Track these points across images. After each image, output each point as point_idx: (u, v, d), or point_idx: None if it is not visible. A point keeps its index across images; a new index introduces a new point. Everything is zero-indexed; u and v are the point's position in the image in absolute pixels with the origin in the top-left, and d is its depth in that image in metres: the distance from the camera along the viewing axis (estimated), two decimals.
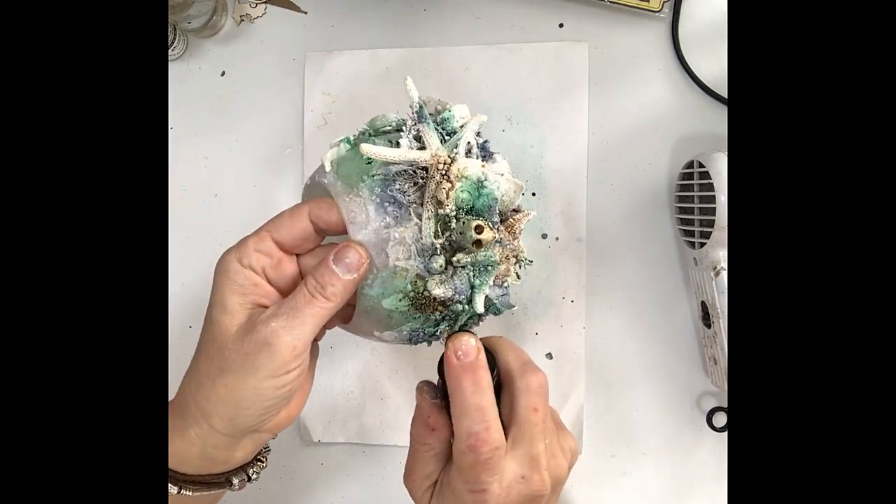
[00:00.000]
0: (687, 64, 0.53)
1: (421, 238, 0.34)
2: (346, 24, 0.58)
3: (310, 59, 0.58)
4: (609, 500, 0.54)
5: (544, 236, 0.55)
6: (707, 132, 0.54)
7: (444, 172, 0.34)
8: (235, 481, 0.38)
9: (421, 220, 0.34)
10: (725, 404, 0.52)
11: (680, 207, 0.51)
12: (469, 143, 0.36)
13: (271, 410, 0.34)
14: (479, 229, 0.34)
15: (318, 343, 0.40)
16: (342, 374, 0.58)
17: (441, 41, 0.57)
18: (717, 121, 0.53)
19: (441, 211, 0.34)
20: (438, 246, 0.34)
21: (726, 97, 0.53)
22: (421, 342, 0.37)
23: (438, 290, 0.34)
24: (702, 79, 0.53)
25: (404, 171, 0.34)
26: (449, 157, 0.34)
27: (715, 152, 0.47)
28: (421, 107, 0.36)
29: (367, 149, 0.34)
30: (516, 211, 0.38)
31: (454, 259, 0.34)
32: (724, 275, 0.46)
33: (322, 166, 0.37)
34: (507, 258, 0.36)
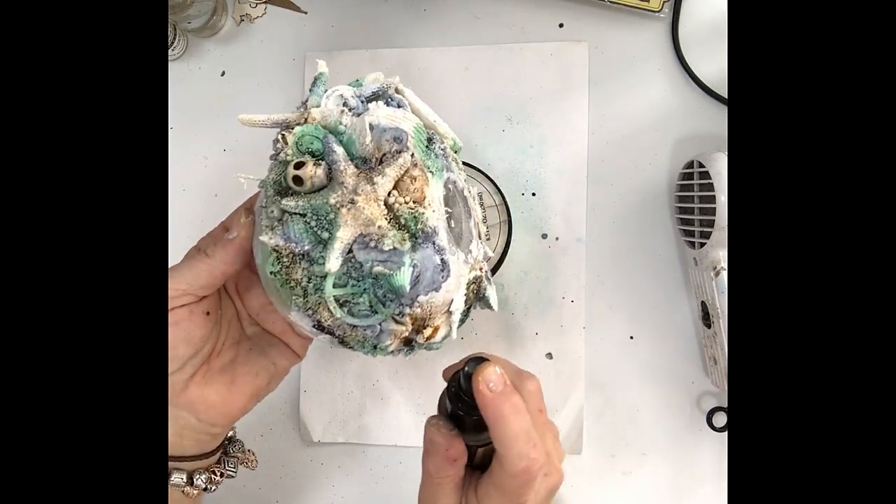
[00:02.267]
0: (687, 64, 0.53)
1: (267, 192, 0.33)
2: (346, 24, 0.58)
3: (310, 59, 0.58)
4: (609, 500, 0.54)
5: (544, 236, 0.55)
6: (707, 132, 0.54)
7: (300, 123, 0.34)
8: (214, 476, 0.38)
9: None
10: (725, 404, 0.52)
11: (680, 207, 0.51)
12: (341, 95, 0.35)
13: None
14: (297, 165, 0.31)
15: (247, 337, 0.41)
16: (342, 374, 0.58)
17: (441, 41, 0.57)
18: (717, 121, 0.53)
19: (280, 157, 0.33)
20: (272, 192, 0.33)
21: (726, 97, 0.53)
22: (355, 342, 0.35)
23: (266, 237, 0.32)
24: (702, 79, 0.53)
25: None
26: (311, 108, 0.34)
27: (715, 152, 0.47)
28: (316, 78, 0.36)
29: (245, 118, 0.35)
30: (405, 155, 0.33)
31: (282, 205, 0.32)
32: (724, 275, 0.46)
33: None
34: (356, 203, 0.31)
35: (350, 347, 0.35)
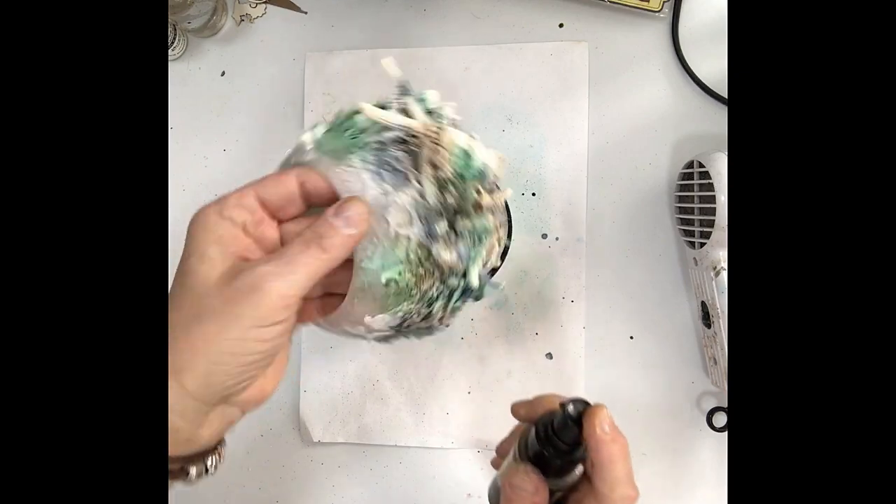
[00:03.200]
0: (687, 64, 0.53)
1: (423, 201, 0.33)
2: (346, 24, 0.58)
3: (310, 59, 0.58)
4: None
5: (544, 236, 0.55)
6: (707, 132, 0.54)
7: (434, 140, 0.34)
8: (193, 471, 0.33)
9: (421, 185, 0.33)
10: (725, 404, 0.52)
11: (680, 207, 0.51)
12: (452, 118, 0.36)
13: (249, 371, 0.31)
14: (478, 192, 0.34)
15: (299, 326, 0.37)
16: (342, 374, 0.58)
17: (441, 41, 0.57)
18: (717, 121, 0.53)
19: (441, 174, 0.33)
20: (441, 208, 0.33)
21: (726, 97, 0.53)
22: (410, 331, 0.36)
23: (446, 255, 0.33)
24: (702, 79, 0.53)
25: (396, 138, 0.34)
26: (438, 127, 0.34)
27: (715, 152, 0.47)
28: (405, 83, 0.36)
29: (368, 110, 0.33)
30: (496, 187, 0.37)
31: (456, 224, 0.34)
32: (724, 275, 0.46)
33: (298, 148, 0.35)
34: (496, 229, 0.36)
35: (406, 335, 0.37)
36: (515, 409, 0.39)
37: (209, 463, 0.35)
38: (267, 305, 0.29)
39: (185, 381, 0.30)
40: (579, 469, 0.34)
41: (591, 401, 0.33)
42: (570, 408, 0.33)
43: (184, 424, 0.31)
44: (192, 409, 0.31)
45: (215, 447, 0.35)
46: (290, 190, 0.34)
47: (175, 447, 0.31)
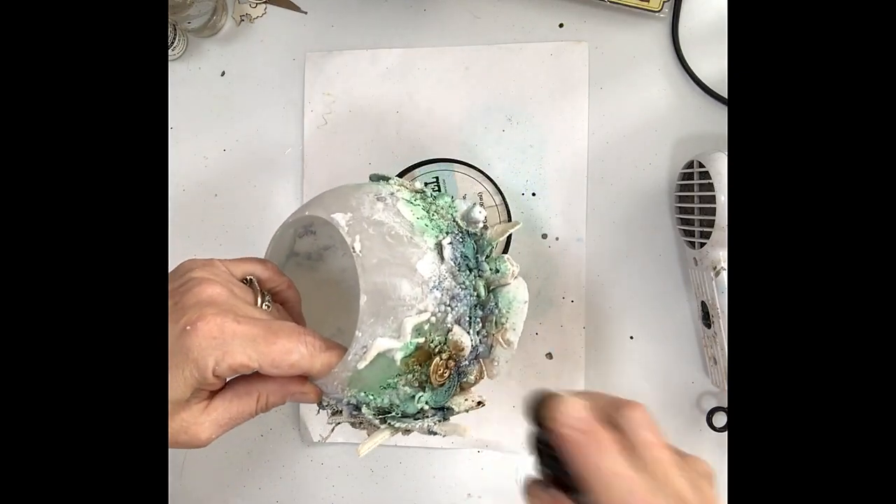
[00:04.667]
0: (687, 64, 0.53)
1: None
2: (346, 24, 0.58)
3: (310, 59, 0.58)
4: None
5: (544, 236, 0.55)
6: (707, 132, 0.54)
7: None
8: None
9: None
10: (725, 404, 0.52)
11: (680, 207, 0.50)
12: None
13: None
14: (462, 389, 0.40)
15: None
16: None
17: (441, 41, 0.57)
18: (717, 121, 0.53)
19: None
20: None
21: (726, 97, 0.53)
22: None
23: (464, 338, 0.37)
24: (702, 79, 0.53)
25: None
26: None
27: (715, 152, 0.47)
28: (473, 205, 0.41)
29: (365, 450, 0.38)
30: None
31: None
32: (724, 275, 0.46)
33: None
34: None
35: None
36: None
37: None
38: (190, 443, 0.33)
39: None
40: None
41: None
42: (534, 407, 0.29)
43: None
44: None
45: None
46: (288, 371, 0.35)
47: None
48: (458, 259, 0.37)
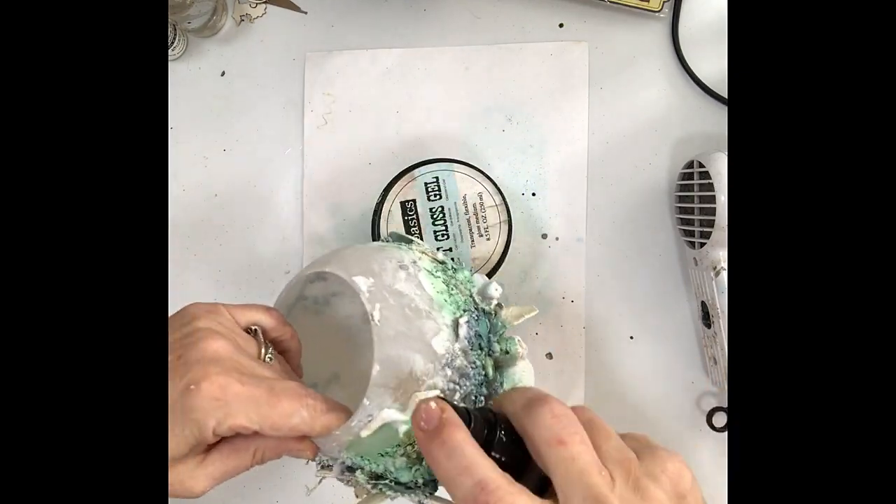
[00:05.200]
0: (687, 64, 0.53)
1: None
2: (346, 24, 0.58)
3: (310, 59, 0.58)
4: None
5: (544, 236, 0.55)
6: (707, 132, 0.54)
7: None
8: None
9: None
10: (725, 404, 0.52)
11: (680, 207, 0.51)
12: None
13: None
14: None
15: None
16: None
17: (441, 41, 0.57)
18: (717, 121, 0.53)
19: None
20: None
21: (726, 97, 0.53)
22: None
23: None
24: (702, 79, 0.53)
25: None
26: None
27: (715, 152, 0.47)
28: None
29: None
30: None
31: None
32: (724, 275, 0.46)
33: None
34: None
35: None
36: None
37: None
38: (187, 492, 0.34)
39: None
40: None
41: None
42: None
43: None
44: None
45: None
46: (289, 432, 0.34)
47: None
48: (472, 338, 0.37)
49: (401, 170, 0.53)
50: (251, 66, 0.60)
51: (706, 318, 0.50)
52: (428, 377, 0.34)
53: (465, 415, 0.27)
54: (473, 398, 0.37)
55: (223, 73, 0.60)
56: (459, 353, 0.36)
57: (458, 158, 0.53)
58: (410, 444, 0.35)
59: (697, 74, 0.53)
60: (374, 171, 0.57)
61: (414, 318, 0.35)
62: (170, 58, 0.59)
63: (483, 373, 0.37)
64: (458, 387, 0.35)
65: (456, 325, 0.36)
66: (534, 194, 0.55)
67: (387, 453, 0.35)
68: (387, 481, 0.36)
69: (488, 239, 0.52)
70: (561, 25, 0.56)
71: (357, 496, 0.38)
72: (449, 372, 0.35)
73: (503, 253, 0.52)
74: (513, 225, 0.52)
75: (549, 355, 0.55)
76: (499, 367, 0.38)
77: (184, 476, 0.33)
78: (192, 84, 0.60)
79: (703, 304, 0.50)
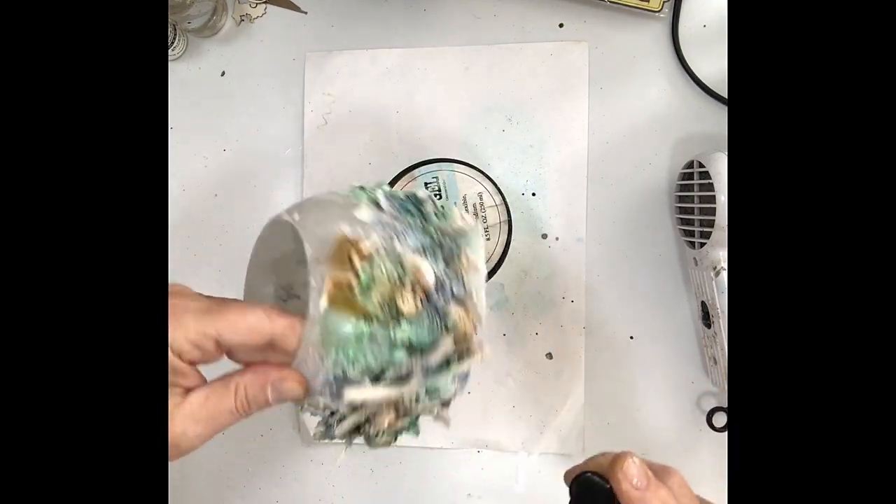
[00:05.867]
0: (687, 64, 0.53)
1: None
2: (346, 24, 0.58)
3: (310, 59, 0.58)
4: None
5: (544, 236, 0.55)
6: (707, 132, 0.54)
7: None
8: None
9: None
10: (725, 404, 0.52)
11: (680, 207, 0.51)
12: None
13: None
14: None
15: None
16: None
17: (441, 41, 0.57)
18: (717, 121, 0.53)
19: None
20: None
21: (726, 97, 0.53)
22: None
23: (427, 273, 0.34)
24: (702, 79, 0.53)
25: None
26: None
27: (715, 152, 0.47)
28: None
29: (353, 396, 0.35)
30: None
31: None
32: (724, 275, 0.46)
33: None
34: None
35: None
36: (566, 477, 0.36)
37: None
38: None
39: None
40: None
41: (616, 449, 0.32)
42: (592, 471, 0.32)
43: None
44: None
45: None
46: (255, 344, 0.33)
47: None
48: (397, 206, 0.36)
49: (401, 170, 0.53)
50: (251, 66, 0.60)
51: (706, 318, 0.50)
52: (362, 240, 0.33)
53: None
54: (422, 250, 0.35)
55: (223, 73, 0.60)
56: (388, 218, 0.35)
57: (458, 158, 0.53)
58: (380, 309, 0.33)
59: (697, 74, 0.53)
60: (374, 171, 0.57)
61: (330, 206, 0.35)
62: (170, 58, 0.59)
63: (422, 230, 0.36)
64: (396, 239, 0.34)
65: (376, 203, 0.36)
66: (534, 194, 0.55)
67: (362, 333, 0.33)
68: (388, 375, 0.34)
69: (488, 239, 0.52)
70: (561, 25, 0.56)
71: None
72: (381, 230, 0.34)
73: (503, 253, 0.52)
74: (513, 225, 0.52)
75: (549, 355, 0.55)
76: (445, 234, 0.36)
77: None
78: (192, 84, 0.60)
79: (703, 304, 0.50)
